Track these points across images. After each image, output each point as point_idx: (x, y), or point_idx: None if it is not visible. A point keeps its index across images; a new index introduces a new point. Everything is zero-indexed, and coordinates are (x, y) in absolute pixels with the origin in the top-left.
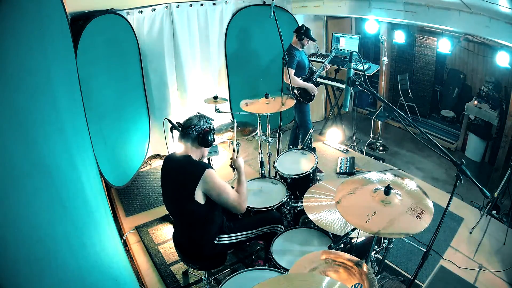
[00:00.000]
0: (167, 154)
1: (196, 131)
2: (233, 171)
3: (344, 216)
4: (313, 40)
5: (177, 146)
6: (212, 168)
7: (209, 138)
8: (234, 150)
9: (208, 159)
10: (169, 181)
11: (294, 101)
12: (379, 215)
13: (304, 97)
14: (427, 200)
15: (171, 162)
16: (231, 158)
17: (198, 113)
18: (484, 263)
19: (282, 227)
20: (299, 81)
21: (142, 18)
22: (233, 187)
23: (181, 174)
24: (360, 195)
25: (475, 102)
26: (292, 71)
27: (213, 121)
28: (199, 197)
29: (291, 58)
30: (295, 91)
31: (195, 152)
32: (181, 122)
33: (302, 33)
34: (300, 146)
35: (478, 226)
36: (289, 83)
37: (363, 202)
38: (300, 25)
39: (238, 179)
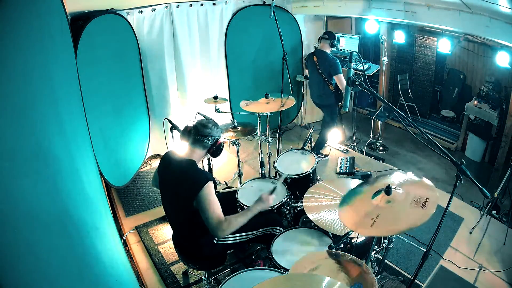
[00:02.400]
0: None
1: (211, 141)
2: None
3: (349, 226)
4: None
5: (179, 145)
6: (214, 180)
7: (221, 149)
8: (272, 192)
9: (208, 159)
10: (168, 182)
11: (294, 101)
12: (382, 216)
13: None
14: (427, 182)
15: (172, 162)
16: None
17: (208, 119)
18: (484, 263)
19: (281, 229)
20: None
21: (142, 18)
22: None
23: (183, 179)
24: (359, 204)
25: (475, 102)
26: (342, 76)
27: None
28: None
29: (337, 63)
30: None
31: (199, 156)
32: (197, 125)
33: (335, 39)
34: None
35: (478, 226)
36: (343, 90)
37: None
38: (326, 31)
39: (245, 211)
